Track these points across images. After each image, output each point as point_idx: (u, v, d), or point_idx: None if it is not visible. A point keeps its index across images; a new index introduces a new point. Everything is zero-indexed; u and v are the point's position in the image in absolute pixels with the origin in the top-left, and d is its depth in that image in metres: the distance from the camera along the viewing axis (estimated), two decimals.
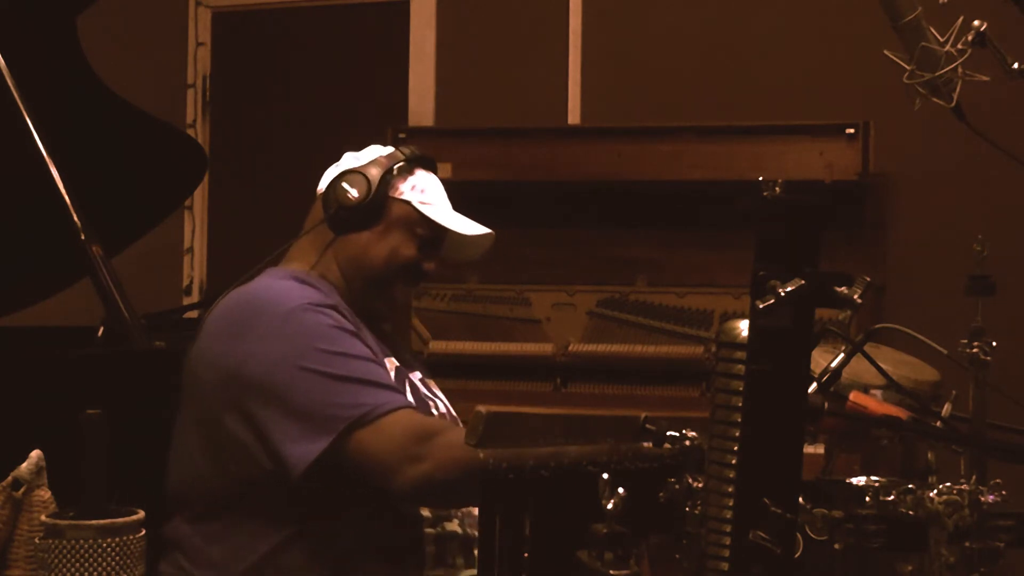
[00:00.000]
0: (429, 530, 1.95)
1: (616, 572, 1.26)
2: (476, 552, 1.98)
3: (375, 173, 2.04)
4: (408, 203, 2.05)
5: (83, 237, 2.54)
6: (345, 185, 2.03)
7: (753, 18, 3.91)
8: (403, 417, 1.84)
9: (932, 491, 1.36)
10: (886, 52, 1.65)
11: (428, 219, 2.06)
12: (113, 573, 1.49)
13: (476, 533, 1.98)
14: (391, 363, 2.03)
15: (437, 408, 2.08)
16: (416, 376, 2.12)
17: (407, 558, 1.94)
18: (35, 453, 1.73)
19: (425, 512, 1.97)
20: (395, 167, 2.06)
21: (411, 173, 2.08)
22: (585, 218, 3.77)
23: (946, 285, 1.98)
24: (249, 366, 1.87)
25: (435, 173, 2.13)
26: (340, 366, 1.85)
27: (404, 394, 1.92)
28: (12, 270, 2.87)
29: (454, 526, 1.97)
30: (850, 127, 3.40)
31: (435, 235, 2.08)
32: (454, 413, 2.14)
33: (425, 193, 2.07)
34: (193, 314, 2.87)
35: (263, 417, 1.85)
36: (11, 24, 2.66)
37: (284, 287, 1.97)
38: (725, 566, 1.27)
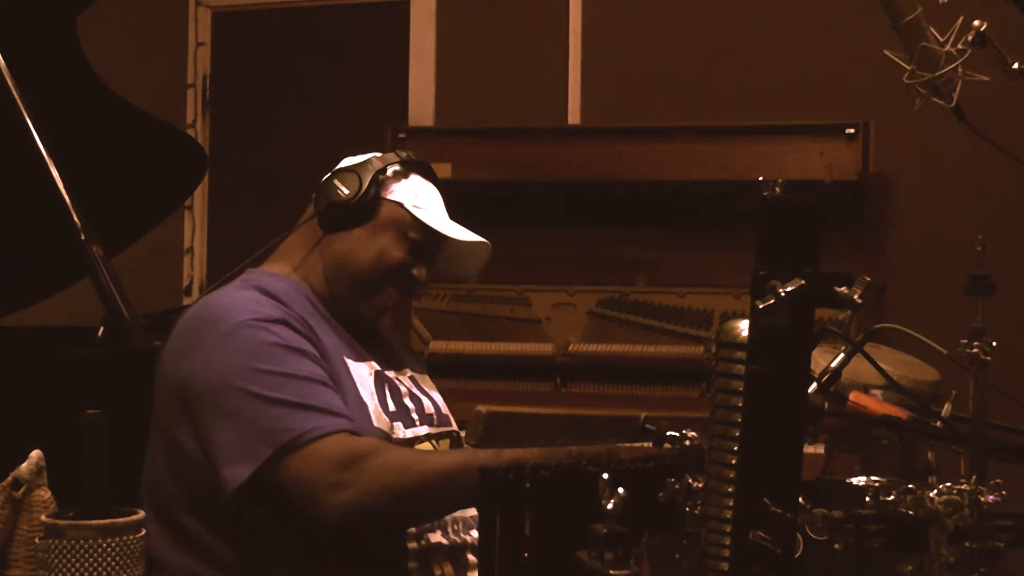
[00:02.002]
0: (412, 544, 1.90)
1: (616, 572, 1.26)
2: (468, 556, 1.96)
3: (368, 172, 2.01)
4: (401, 205, 2.02)
5: (83, 237, 2.54)
6: (336, 182, 2.01)
7: (753, 18, 3.91)
8: (332, 443, 1.79)
9: (932, 491, 1.36)
10: (886, 52, 1.65)
11: (421, 223, 2.01)
12: (113, 573, 1.49)
13: (464, 538, 1.96)
14: (370, 367, 1.99)
15: (422, 408, 2.05)
16: (406, 375, 2.09)
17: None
18: (35, 453, 1.73)
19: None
20: (389, 168, 2.03)
21: (406, 176, 2.05)
22: (585, 218, 3.77)
23: (946, 285, 1.98)
24: (193, 382, 1.85)
25: (433, 182, 2.10)
26: (275, 387, 1.81)
27: (345, 415, 1.84)
28: (12, 270, 2.87)
29: (438, 537, 1.93)
30: (850, 127, 3.40)
31: (427, 240, 2.03)
32: (445, 411, 2.11)
33: (419, 197, 2.04)
34: None
35: (205, 433, 1.83)
36: (11, 24, 2.66)
37: (238, 299, 1.92)
38: (725, 566, 1.27)
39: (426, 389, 2.12)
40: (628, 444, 1.68)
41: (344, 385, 1.92)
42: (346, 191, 2.00)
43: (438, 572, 1.91)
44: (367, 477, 1.76)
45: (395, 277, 2.02)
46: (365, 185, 2.00)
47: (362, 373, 1.97)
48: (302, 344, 1.88)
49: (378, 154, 2.07)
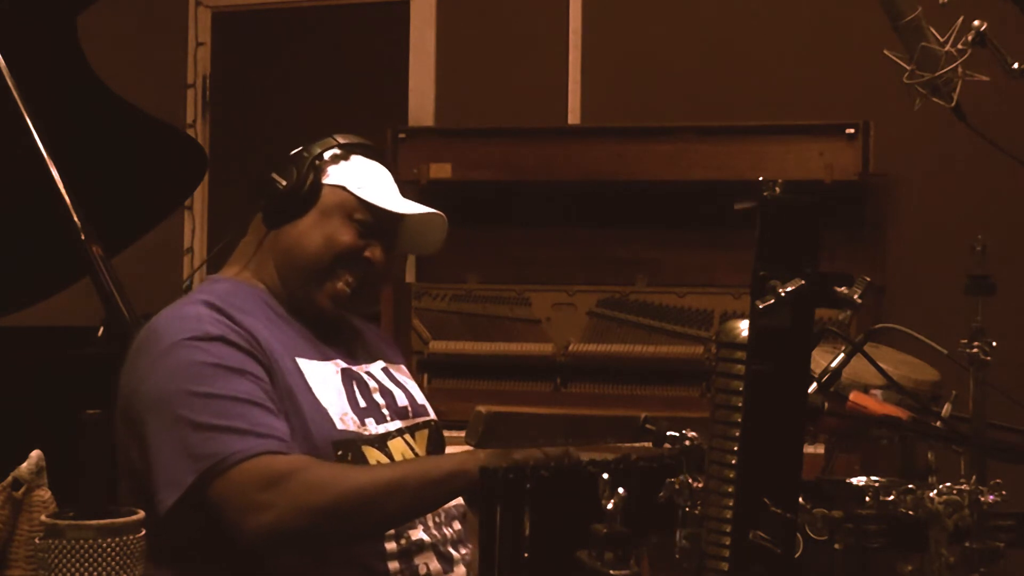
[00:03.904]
0: (391, 545, 1.87)
1: (616, 572, 1.26)
2: (451, 550, 1.95)
3: (303, 159, 1.98)
4: (342, 188, 1.98)
5: (83, 237, 2.54)
6: (274, 175, 1.98)
7: (753, 18, 3.91)
8: (253, 465, 1.76)
9: (932, 491, 1.36)
10: (886, 52, 1.65)
11: (366, 203, 1.98)
12: (113, 573, 1.49)
13: (446, 532, 1.95)
14: (336, 365, 1.97)
15: (394, 402, 2.02)
16: (377, 367, 2.06)
17: None
18: (35, 453, 1.74)
19: None
20: (326, 152, 2.00)
21: (346, 159, 2.02)
22: (585, 218, 3.77)
23: (946, 285, 1.98)
24: (131, 400, 1.85)
25: (381, 161, 2.07)
26: (202, 410, 1.79)
27: (275, 435, 1.81)
28: (12, 270, 2.87)
29: (419, 533, 1.90)
30: (850, 127, 3.40)
31: (376, 220, 1.99)
32: (422, 401, 2.09)
33: (362, 177, 2.00)
34: None
35: (142, 452, 1.82)
36: (11, 24, 2.66)
37: (179, 316, 1.89)
38: (725, 566, 1.27)
39: (400, 380, 2.09)
40: (589, 445, 1.68)
41: (296, 390, 1.89)
42: (284, 182, 1.98)
43: (423, 571, 1.89)
44: (287, 497, 1.75)
45: (347, 261, 1.98)
46: (301, 172, 1.97)
47: (325, 373, 1.95)
48: (238, 362, 1.85)
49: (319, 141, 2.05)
